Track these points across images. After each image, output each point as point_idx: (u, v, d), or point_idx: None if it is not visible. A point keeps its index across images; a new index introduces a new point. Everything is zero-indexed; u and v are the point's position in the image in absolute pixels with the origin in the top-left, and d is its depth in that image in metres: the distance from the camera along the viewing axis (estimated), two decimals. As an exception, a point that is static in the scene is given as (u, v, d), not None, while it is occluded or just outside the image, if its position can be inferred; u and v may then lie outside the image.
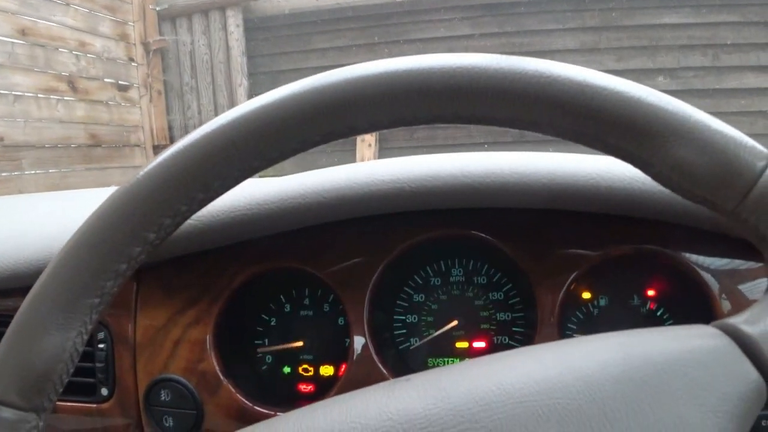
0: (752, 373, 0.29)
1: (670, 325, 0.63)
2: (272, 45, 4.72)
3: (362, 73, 0.34)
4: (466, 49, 4.33)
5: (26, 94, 3.57)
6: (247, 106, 0.36)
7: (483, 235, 0.62)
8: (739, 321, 0.30)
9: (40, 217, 0.91)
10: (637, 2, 3.95)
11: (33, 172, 3.60)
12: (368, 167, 0.60)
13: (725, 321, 0.31)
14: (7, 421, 0.33)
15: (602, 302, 0.66)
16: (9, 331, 0.34)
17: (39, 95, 3.67)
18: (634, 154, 0.33)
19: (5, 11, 3.45)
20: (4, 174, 3.41)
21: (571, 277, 0.60)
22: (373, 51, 4.46)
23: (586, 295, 0.66)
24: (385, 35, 4.47)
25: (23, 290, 0.66)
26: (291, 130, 0.35)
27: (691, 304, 0.60)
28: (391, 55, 4.34)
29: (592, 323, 0.65)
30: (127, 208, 0.35)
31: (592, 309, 0.65)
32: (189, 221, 0.38)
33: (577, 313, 0.65)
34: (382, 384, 0.32)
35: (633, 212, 0.56)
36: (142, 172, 0.36)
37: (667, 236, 0.58)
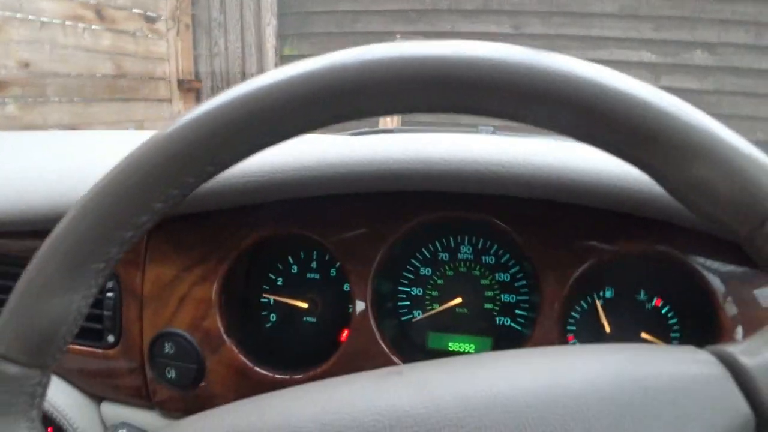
0: (743, 407, 0.28)
1: (672, 324, 0.63)
2: (304, -15, 4.63)
3: (377, 56, 0.33)
4: (503, 6, 4.22)
5: (53, 21, 3.55)
6: (254, 82, 0.35)
7: (495, 220, 0.62)
8: (737, 351, 0.30)
9: (57, 159, 0.91)
10: (682, -30, 3.80)
11: (57, 99, 3.61)
12: (383, 143, 0.59)
13: (723, 348, 0.30)
14: (12, 377, 0.35)
15: (606, 298, 0.65)
16: (15, 290, 0.35)
17: (66, 22, 3.64)
18: (652, 166, 0.32)
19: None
20: (29, 100, 3.43)
21: (578, 272, 0.59)
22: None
23: (591, 290, 0.65)
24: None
25: (36, 233, 0.67)
26: (301, 109, 0.34)
27: (695, 307, 0.60)
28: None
29: (595, 317, 0.65)
30: (135, 178, 0.35)
31: (595, 303, 0.65)
32: None
33: (582, 305, 0.65)
34: (375, 373, 0.32)
35: (647, 213, 0.55)
36: (150, 141, 0.35)
37: (677, 238, 0.57)
